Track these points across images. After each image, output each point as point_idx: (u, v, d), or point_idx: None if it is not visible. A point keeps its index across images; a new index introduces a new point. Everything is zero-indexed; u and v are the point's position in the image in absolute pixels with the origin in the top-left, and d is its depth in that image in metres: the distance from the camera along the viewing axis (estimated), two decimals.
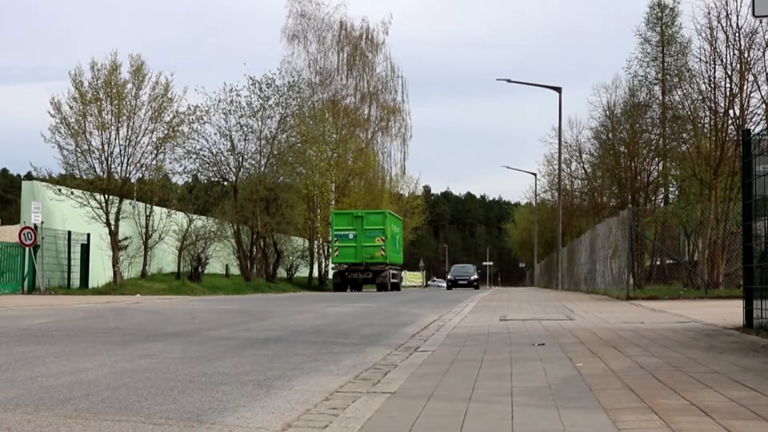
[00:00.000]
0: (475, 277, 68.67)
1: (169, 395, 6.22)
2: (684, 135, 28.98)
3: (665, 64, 35.03)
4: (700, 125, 26.85)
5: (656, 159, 35.76)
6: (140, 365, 8.12)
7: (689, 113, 27.33)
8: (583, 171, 52.15)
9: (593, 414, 5.01)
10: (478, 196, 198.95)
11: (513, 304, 22.34)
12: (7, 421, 5.18)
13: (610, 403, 5.37)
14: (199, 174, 48.11)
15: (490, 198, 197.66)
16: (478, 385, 6.36)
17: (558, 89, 49.60)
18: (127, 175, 36.40)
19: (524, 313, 17.10)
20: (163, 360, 8.58)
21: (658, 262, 30.46)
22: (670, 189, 36.18)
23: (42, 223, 33.29)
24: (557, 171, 52.34)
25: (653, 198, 36.70)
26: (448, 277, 70.66)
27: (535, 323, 13.69)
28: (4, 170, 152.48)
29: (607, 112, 40.26)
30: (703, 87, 25.99)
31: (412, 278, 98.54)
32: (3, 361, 8.47)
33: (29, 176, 37.91)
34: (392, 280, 50.24)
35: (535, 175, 74.87)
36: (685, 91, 28.21)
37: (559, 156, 50.59)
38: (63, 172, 36.35)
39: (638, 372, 6.95)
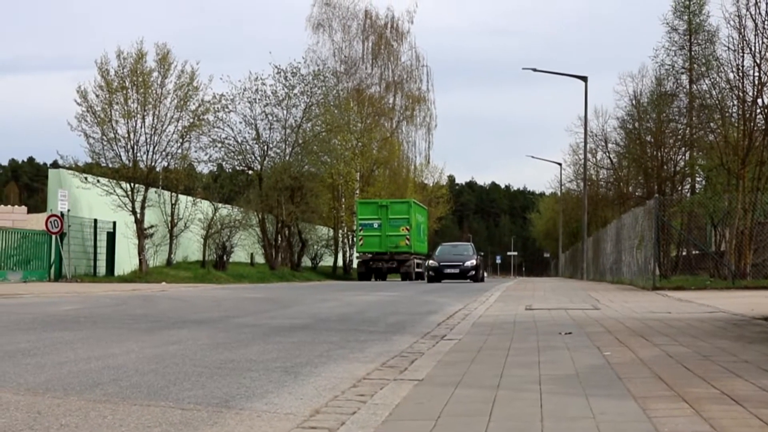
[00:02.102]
0: (474, 262, 43.41)
1: (197, 381, 6.24)
2: (711, 124, 28.76)
3: (692, 52, 34.72)
4: (727, 114, 26.63)
5: (683, 149, 35.45)
6: (167, 351, 8.14)
7: (717, 102, 27.11)
8: (608, 161, 51.80)
9: (623, 402, 4.99)
10: (502, 186, 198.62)
11: (538, 294, 22.28)
12: (37, 405, 5.21)
13: (640, 391, 5.34)
14: (224, 163, 48.19)
15: (515, 188, 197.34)
16: (505, 373, 6.34)
17: (584, 78, 49.37)
18: (153, 164, 36.52)
19: (550, 303, 17.05)
20: (190, 346, 8.60)
21: (684, 253, 30.29)
22: (697, 179, 35.93)
23: (68, 211, 33.45)
24: (583, 161, 52.08)
25: (680, 188, 36.41)
26: (429, 263, 44.40)
27: (561, 312, 13.65)
28: (30, 159, 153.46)
29: (634, 102, 39.90)
30: (731, 76, 25.76)
31: None
32: (32, 346, 8.52)
33: (55, 164, 38.10)
34: (417, 270, 50.17)
35: (560, 164, 74.63)
36: (712, 80, 27.98)
37: (585, 146, 50.35)
38: (89, 160, 36.51)
39: (667, 361, 6.91)
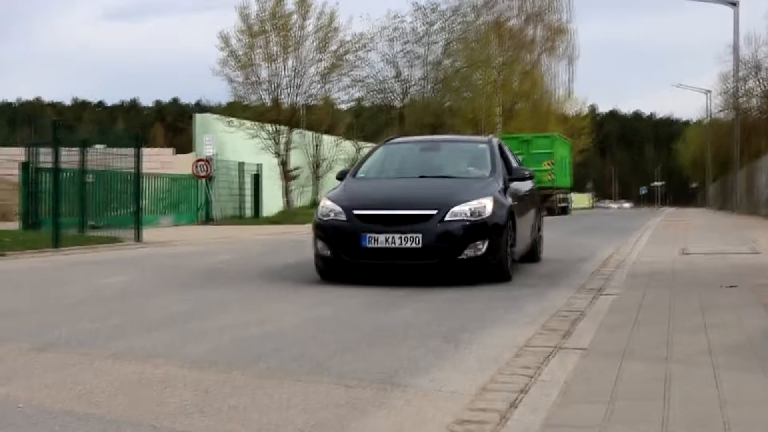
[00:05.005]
0: (487, 209, 10.56)
1: (357, 351, 6.18)
2: None
3: None
4: None
5: None
6: (322, 315, 8.12)
7: None
8: (761, 89, 49.99)
9: None
10: (646, 114, 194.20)
11: (691, 233, 21.73)
12: (204, 381, 5.23)
13: None
14: (365, 102, 48.30)
15: (659, 116, 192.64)
16: (672, 340, 6.12)
17: (734, 4, 47.53)
18: (296, 105, 36.90)
19: (704, 245, 16.56)
20: (343, 308, 8.54)
21: None
22: None
23: (216, 154, 34.07)
24: (732, 90, 50.29)
25: None
26: (321, 211, 10.90)
27: (719, 258, 13.24)
28: (175, 99, 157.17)
29: None
30: None
31: (579, 200, 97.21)
32: (190, 307, 8.67)
33: (198, 104, 38.93)
34: (561, 204, 49.59)
35: (708, 92, 72.33)
36: None
37: (735, 74, 48.57)
38: (232, 100, 37.16)
39: None
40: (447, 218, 10.27)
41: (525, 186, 12.95)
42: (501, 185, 11.33)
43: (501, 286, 10.24)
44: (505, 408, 4.48)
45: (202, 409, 4.60)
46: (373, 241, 10.19)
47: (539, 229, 14.13)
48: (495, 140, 12.81)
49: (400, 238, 10.12)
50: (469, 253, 10.25)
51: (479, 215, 10.39)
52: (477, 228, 10.33)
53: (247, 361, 5.85)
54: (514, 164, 12.63)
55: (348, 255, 10.38)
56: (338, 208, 10.62)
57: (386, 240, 10.15)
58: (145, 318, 7.94)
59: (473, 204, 10.45)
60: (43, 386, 5.11)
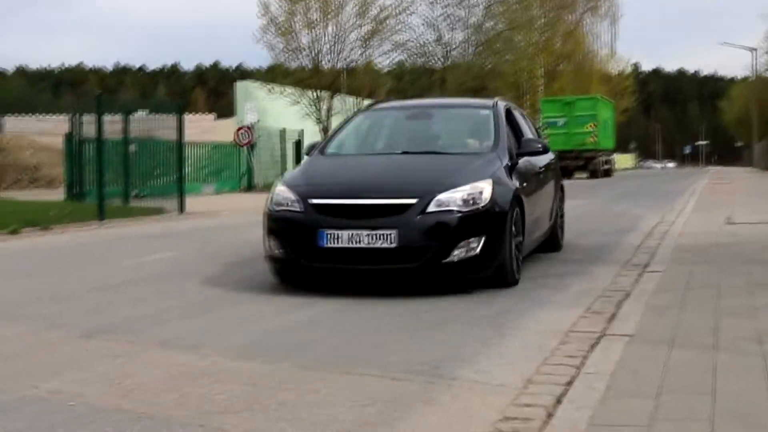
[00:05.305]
0: (485, 195, 8.31)
1: (400, 340, 6.18)
2: None
3: None
4: None
5: None
6: (359, 300, 7.87)
7: None
8: None
9: None
10: (690, 71, 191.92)
11: (737, 198, 21.46)
12: (251, 373, 5.26)
13: None
14: (406, 65, 48.03)
15: (704, 74, 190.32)
16: (720, 326, 6.06)
17: None
18: (337, 69, 36.87)
19: (751, 213, 16.35)
20: (380, 293, 8.20)
21: None
22: None
23: (258, 121, 34.14)
24: None
25: None
26: (275, 200, 8.68)
27: (766, 228, 13.05)
28: (215, 63, 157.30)
29: None
30: None
31: (622, 161, 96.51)
32: (232, 288, 8.70)
33: (239, 69, 39.08)
34: (604, 167, 49.23)
35: (754, 50, 71.18)
36: None
37: None
38: (273, 63, 37.26)
39: None
40: (430, 209, 8.03)
41: (540, 161, 10.65)
42: (506, 162, 9.10)
43: (545, 262, 10.16)
44: (550, 403, 4.47)
45: (250, 405, 4.62)
46: (333, 239, 8.01)
47: (560, 213, 11.76)
48: (502, 104, 10.38)
49: (369, 235, 7.93)
50: (459, 253, 8.00)
51: (474, 204, 8.16)
52: (470, 221, 8.10)
53: (291, 350, 5.88)
54: (528, 134, 10.65)
55: (302, 256, 8.21)
56: (293, 196, 8.43)
57: (350, 238, 7.96)
58: (188, 302, 7.98)
59: (466, 189, 8.22)
60: (93, 380, 5.17)
